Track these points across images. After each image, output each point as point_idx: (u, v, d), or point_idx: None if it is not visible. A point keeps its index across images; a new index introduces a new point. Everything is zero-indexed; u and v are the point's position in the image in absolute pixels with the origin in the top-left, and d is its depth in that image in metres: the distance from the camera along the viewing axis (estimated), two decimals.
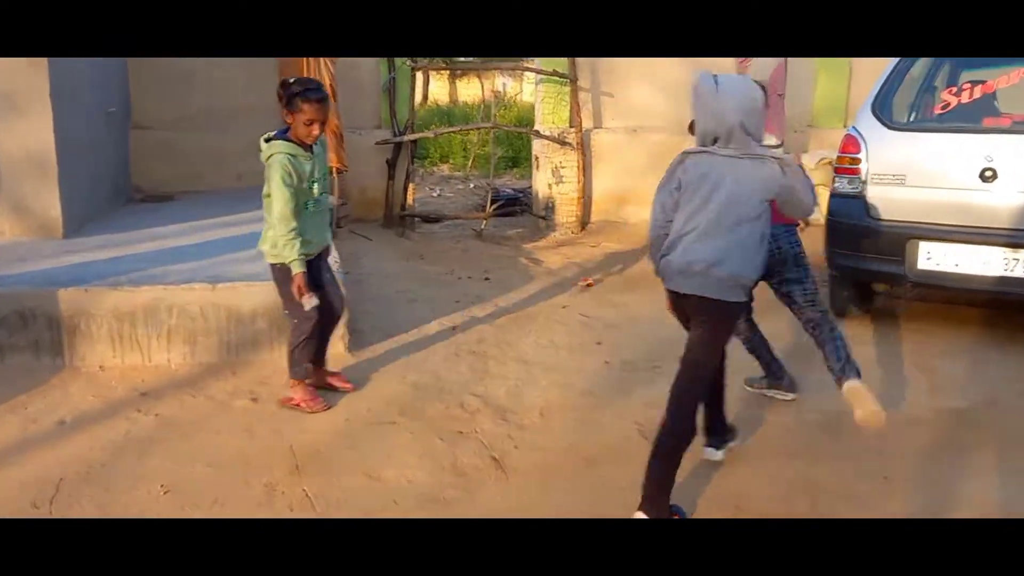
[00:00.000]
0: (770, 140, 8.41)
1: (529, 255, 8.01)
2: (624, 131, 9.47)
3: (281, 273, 3.96)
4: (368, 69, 8.96)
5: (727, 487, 3.53)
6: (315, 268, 4.06)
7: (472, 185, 13.66)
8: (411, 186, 9.03)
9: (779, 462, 3.74)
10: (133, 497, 3.41)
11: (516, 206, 10.23)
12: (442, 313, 5.73)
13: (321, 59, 7.59)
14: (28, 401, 4.23)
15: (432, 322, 5.53)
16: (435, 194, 12.99)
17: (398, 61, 8.86)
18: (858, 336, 5.18)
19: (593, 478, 3.59)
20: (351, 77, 8.66)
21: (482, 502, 3.40)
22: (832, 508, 3.37)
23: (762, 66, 8.61)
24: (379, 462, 3.69)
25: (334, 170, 7.65)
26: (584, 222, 9.34)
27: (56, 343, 4.47)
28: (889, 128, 5.24)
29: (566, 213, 9.26)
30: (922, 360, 4.96)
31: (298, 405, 4.14)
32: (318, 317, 4.01)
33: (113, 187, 7.61)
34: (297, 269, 3.85)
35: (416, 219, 9.26)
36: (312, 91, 3.76)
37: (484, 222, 9.16)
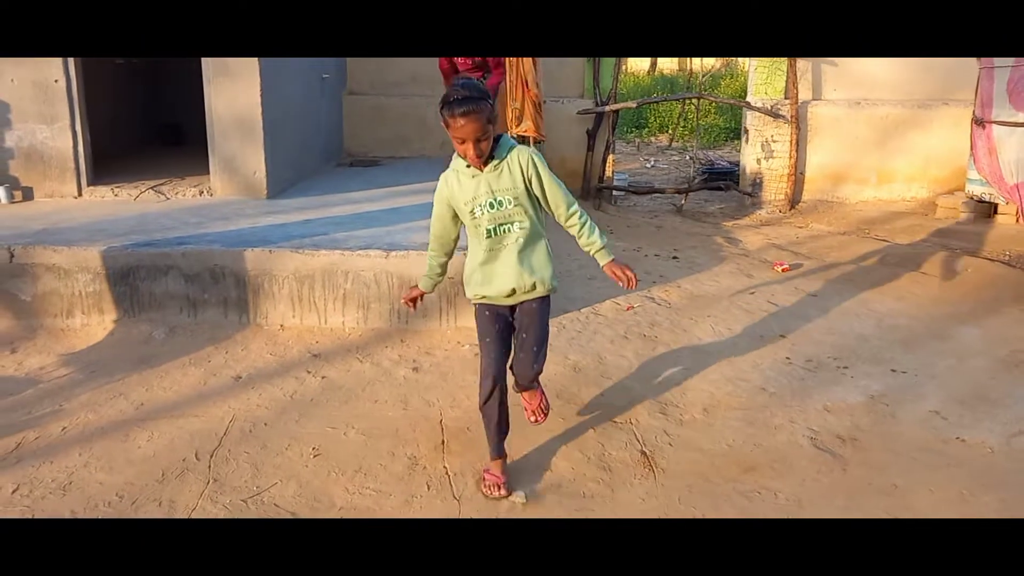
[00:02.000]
0: (1018, 116, 7.46)
1: (727, 234, 7.59)
2: (846, 103, 8.73)
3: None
4: None
5: None
6: (518, 319, 3.30)
7: (689, 157, 13.21)
8: (611, 158, 8.82)
9: None
10: (285, 458, 3.51)
11: (724, 180, 9.77)
12: (619, 292, 5.52)
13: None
14: (213, 354, 4.49)
15: (607, 301, 5.34)
16: (649, 165, 12.71)
17: None
18: None
19: (747, 488, 3.29)
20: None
21: (622, 500, 3.21)
22: None
23: None
24: (524, 446, 3.58)
25: (532, 140, 7.60)
26: (794, 201, 8.75)
27: (242, 301, 4.71)
28: None
29: (774, 190, 8.71)
30: None
31: (483, 479, 3.32)
32: (503, 374, 3.27)
33: (324, 151, 7.97)
34: (421, 285, 3.48)
35: (614, 191, 9.04)
36: (455, 103, 2.92)
37: (684, 197, 8.79)
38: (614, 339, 4.74)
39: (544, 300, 3.27)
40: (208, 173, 6.33)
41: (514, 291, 3.18)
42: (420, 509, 3.15)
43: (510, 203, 3.10)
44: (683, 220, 8.31)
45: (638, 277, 3.19)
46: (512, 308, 3.27)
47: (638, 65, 28.98)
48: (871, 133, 8.76)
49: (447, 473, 3.41)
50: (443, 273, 3.47)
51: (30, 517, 3.09)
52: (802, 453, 3.55)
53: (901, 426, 3.79)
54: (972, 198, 8.05)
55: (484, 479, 3.29)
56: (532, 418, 3.54)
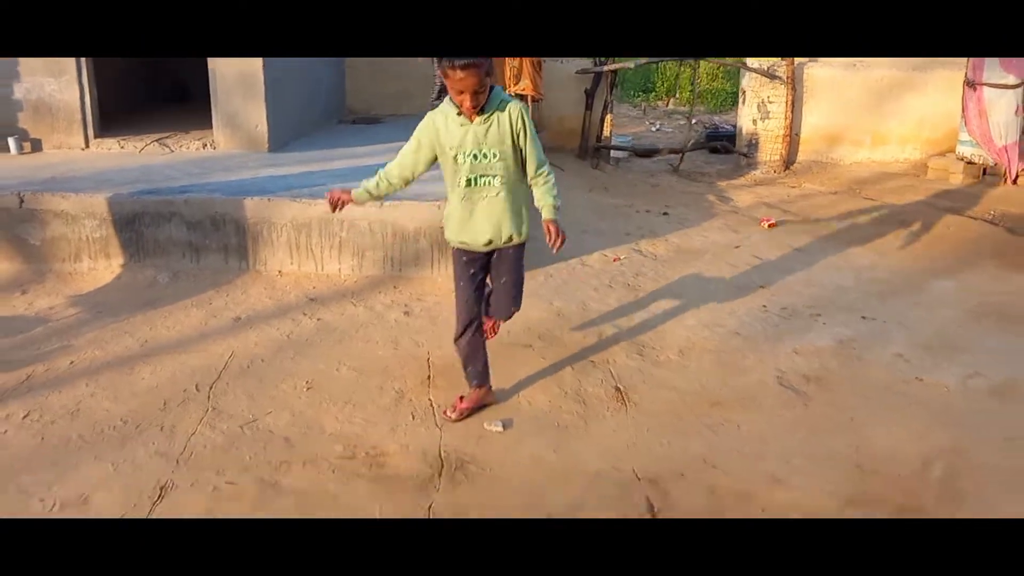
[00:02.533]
0: (1008, 79, 7.55)
1: (720, 193, 7.74)
2: (842, 66, 8.82)
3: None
4: None
5: None
6: (495, 263, 3.47)
7: (695, 120, 13.29)
8: (609, 117, 8.94)
9: None
10: (280, 391, 3.73)
11: (722, 142, 9.89)
12: (609, 245, 5.71)
13: None
14: (214, 297, 4.70)
15: (595, 253, 5.52)
16: (654, 129, 12.78)
17: None
18: None
19: (713, 420, 3.50)
20: None
21: (595, 431, 3.42)
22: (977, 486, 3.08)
23: None
24: (505, 381, 3.78)
25: (529, 99, 7.73)
26: (789, 161, 8.88)
27: (242, 247, 4.91)
28: None
29: (769, 151, 8.84)
30: None
31: (456, 407, 3.53)
32: (476, 313, 3.49)
33: (326, 108, 8.12)
34: (355, 194, 3.46)
35: (611, 151, 9.18)
36: (456, 56, 2.98)
37: (680, 158, 8.93)
38: (599, 287, 4.93)
39: (520, 247, 3.44)
40: (211, 128, 6.50)
41: (491, 241, 3.33)
42: (404, 436, 3.36)
43: (494, 156, 3.21)
44: (679, 180, 8.46)
45: (564, 242, 3.24)
46: (488, 253, 3.43)
47: None
48: (866, 95, 8.85)
49: (431, 405, 3.62)
50: (379, 197, 3.50)
51: (41, 438, 3.32)
52: (768, 391, 3.75)
53: (866, 368, 3.98)
54: (962, 159, 8.17)
55: (452, 407, 3.51)
56: (488, 336, 3.73)
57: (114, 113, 6.99)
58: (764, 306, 4.72)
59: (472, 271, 3.43)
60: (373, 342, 4.23)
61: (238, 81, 6.17)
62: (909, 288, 5.06)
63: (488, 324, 3.72)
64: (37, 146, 6.32)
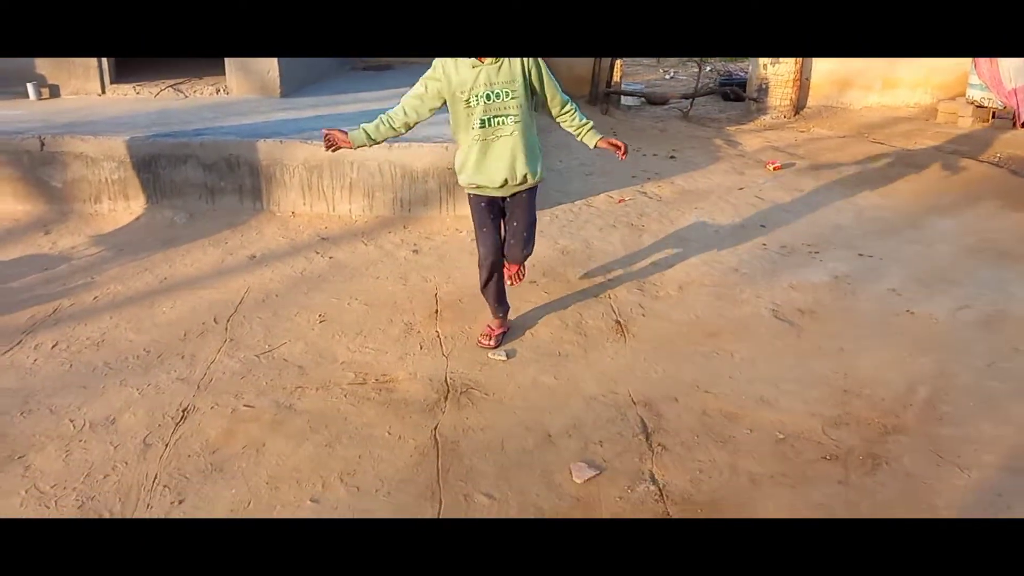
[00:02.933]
0: None
1: (728, 137, 7.80)
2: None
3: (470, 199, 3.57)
4: None
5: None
6: (508, 206, 3.56)
7: (708, 68, 13.19)
8: (618, 63, 8.96)
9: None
10: (294, 323, 3.90)
11: (732, 88, 9.87)
12: (614, 187, 5.81)
13: None
14: (230, 236, 4.87)
15: (601, 194, 5.63)
16: (668, 77, 12.72)
17: None
18: None
19: (707, 349, 3.65)
20: None
21: (593, 359, 3.58)
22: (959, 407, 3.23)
23: None
24: (510, 315, 3.93)
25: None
26: (799, 106, 8.88)
27: (256, 189, 5.06)
28: None
29: (780, 96, 8.84)
30: None
31: (482, 332, 3.73)
32: (500, 257, 3.60)
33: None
34: (352, 137, 3.52)
35: (622, 98, 9.22)
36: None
37: (690, 103, 8.96)
38: (603, 227, 5.06)
39: (533, 190, 3.54)
40: (224, 74, 6.61)
41: (506, 182, 3.41)
42: (412, 364, 3.53)
43: (507, 95, 3.28)
44: (688, 125, 8.50)
45: (628, 147, 3.51)
46: (503, 197, 3.52)
47: None
48: None
49: (438, 336, 3.78)
50: (377, 141, 3.52)
51: (69, 366, 3.51)
52: (762, 322, 3.89)
53: (858, 301, 4.11)
54: (972, 103, 8.16)
55: (482, 331, 3.71)
56: (508, 281, 3.81)
57: (129, 60, 7.09)
58: (764, 244, 4.84)
59: (492, 215, 3.52)
60: (383, 278, 4.38)
61: None
62: (908, 226, 5.16)
63: (512, 271, 3.78)
64: (55, 92, 6.46)
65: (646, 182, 6.00)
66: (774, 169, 6.40)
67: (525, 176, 3.42)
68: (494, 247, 3.53)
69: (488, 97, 3.27)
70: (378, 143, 3.58)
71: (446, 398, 3.29)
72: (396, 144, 4.99)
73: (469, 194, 3.54)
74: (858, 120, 8.47)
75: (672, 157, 6.78)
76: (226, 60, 6.45)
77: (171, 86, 6.57)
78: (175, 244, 4.77)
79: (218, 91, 6.55)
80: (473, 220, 3.57)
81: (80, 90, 6.46)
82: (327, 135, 3.57)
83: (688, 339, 3.75)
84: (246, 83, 6.45)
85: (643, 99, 9.49)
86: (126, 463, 2.89)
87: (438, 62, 3.32)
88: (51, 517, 2.61)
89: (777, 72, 8.82)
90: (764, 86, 8.88)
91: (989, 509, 2.66)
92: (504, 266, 3.71)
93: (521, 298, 4.09)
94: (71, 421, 3.13)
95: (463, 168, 3.47)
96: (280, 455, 2.93)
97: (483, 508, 2.67)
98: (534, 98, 3.41)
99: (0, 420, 3.12)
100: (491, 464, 2.89)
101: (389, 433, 3.06)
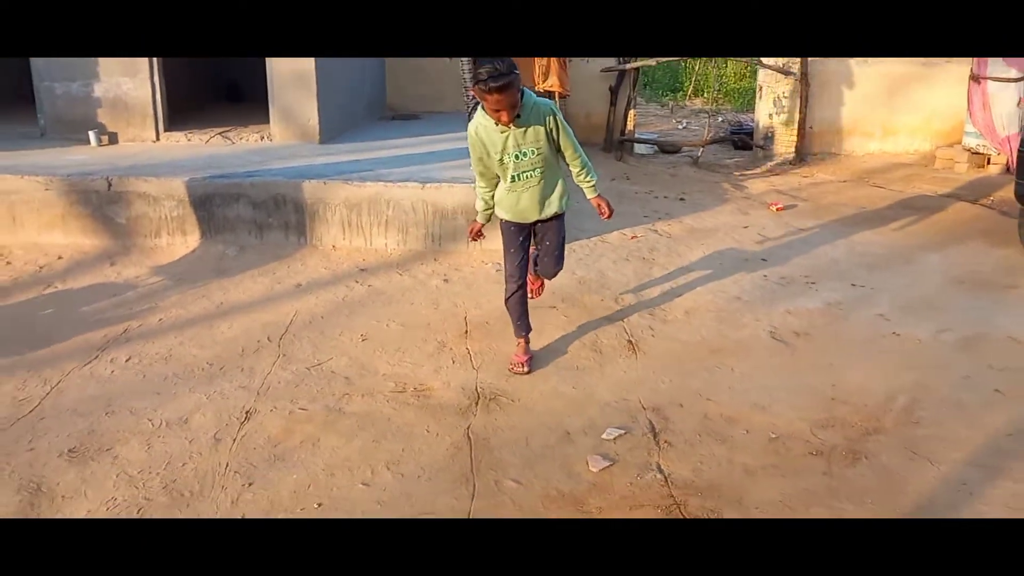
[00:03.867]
0: (1010, 72, 8.01)
1: (735, 182, 8.28)
2: (853, 62, 9.31)
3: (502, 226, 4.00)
4: None
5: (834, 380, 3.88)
6: (539, 230, 3.98)
7: (720, 119, 13.73)
8: (632, 112, 9.50)
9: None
10: (339, 341, 4.36)
11: (741, 137, 10.38)
12: (627, 225, 6.28)
13: None
14: (277, 267, 5.35)
15: (614, 232, 6.10)
16: (681, 127, 13.25)
17: None
18: None
19: (710, 364, 4.07)
20: None
21: (608, 373, 4.00)
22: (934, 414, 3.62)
23: None
24: (533, 335, 4.36)
25: (557, 95, 8.33)
26: (803, 153, 9.38)
27: (301, 225, 5.56)
28: None
29: (785, 143, 9.35)
30: None
31: (517, 363, 4.04)
32: (524, 275, 4.02)
33: (369, 105, 8.78)
34: (478, 219, 4.05)
35: (635, 145, 9.74)
36: (491, 79, 3.34)
37: (700, 150, 9.46)
38: (616, 260, 5.51)
39: (560, 216, 3.99)
40: (268, 123, 7.17)
41: (538, 220, 3.91)
42: (446, 375, 3.97)
43: (533, 153, 3.67)
44: (698, 170, 8.99)
45: (614, 212, 3.97)
46: (532, 223, 3.96)
47: None
48: (877, 90, 9.33)
49: (468, 352, 4.23)
50: (493, 203, 3.96)
51: (143, 376, 3.97)
52: (761, 342, 4.32)
53: (848, 325, 4.53)
54: (968, 150, 8.63)
55: (510, 362, 4.05)
56: (530, 295, 4.22)
57: (180, 110, 7.68)
58: (765, 276, 5.28)
59: (520, 239, 3.95)
60: (417, 304, 4.84)
61: (293, 78, 6.83)
62: (899, 261, 5.59)
63: (535, 285, 4.26)
64: (114, 139, 7.03)
65: (657, 221, 6.47)
66: (777, 210, 6.86)
67: (553, 213, 3.90)
68: (520, 267, 3.97)
69: (517, 157, 3.67)
70: (493, 206, 3.98)
71: (477, 403, 3.72)
72: (428, 184, 5.49)
73: (501, 219, 3.97)
74: (859, 166, 8.94)
75: (682, 199, 7.26)
76: (270, 109, 7.01)
77: (219, 133, 7.14)
78: (228, 274, 5.25)
79: (262, 138, 7.11)
80: (504, 241, 4.00)
81: (136, 137, 7.03)
82: (472, 231, 4.13)
83: (693, 356, 4.18)
84: (288, 131, 7.00)
85: (656, 147, 10.00)
86: (200, 454, 3.32)
87: (472, 131, 3.71)
88: (140, 497, 3.05)
89: (782, 121, 9.34)
90: (770, 134, 9.39)
91: (954, 496, 3.05)
92: (529, 281, 4.13)
93: (543, 320, 4.53)
94: (149, 420, 3.58)
95: (499, 203, 3.92)
96: (334, 448, 3.36)
97: (511, 490, 3.08)
98: (559, 150, 3.80)
99: (89, 419, 3.57)
100: (517, 456, 3.31)
101: (427, 431, 3.49)
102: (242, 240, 5.60)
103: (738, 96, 16.42)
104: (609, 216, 3.95)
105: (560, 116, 3.73)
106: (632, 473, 3.19)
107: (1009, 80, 8.13)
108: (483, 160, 3.77)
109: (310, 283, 5.14)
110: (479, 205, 4.00)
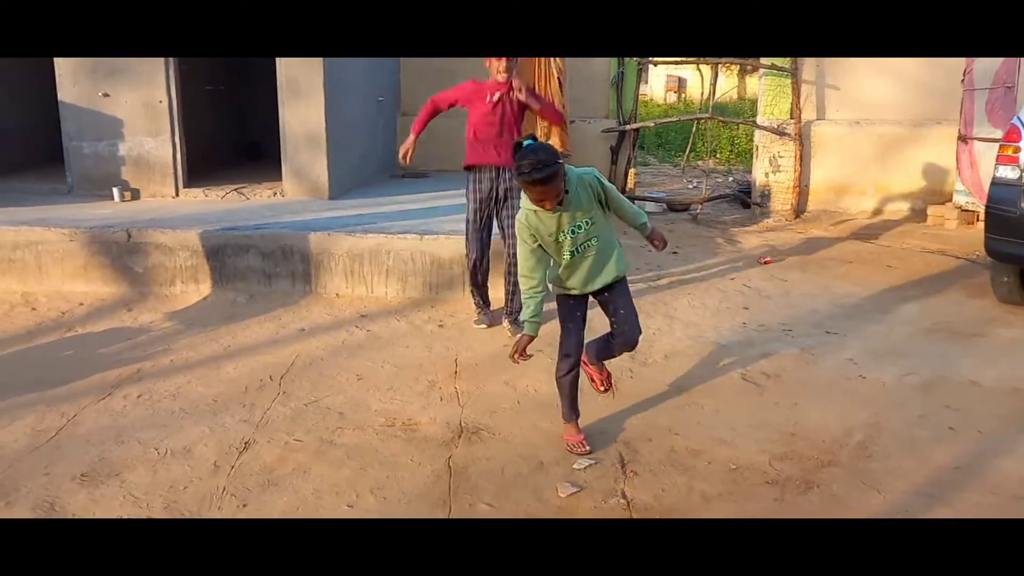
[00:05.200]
0: (995, 133, 8.31)
1: (730, 237, 8.58)
2: (847, 123, 9.66)
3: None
4: (600, 63, 9.93)
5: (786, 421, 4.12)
6: (607, 301, 3.90)
7: (731, 179, 14.05)
8: (632, 171, 9.87)
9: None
10: (336, 380, 4.65)
11: (743, 193, 10.69)
12: None
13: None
14: (283, 313, 5.69)
15: None
16: (691, 186, 13.58)
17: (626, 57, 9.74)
18: (1008, 318, 5.40)
19: (682, 403, 4.33)
20: (584, 70, 9.69)
21: (586, 410, 4.23)
22: (887, 448, 3.85)
23: (992, 57, 8.51)
24: (517, 376, 4.66)
25: None
26: (799, 211, 9.68)
27: (306, 274, 5.90)
28: None
29: (781, 201, 9.66)
30: None
31: (566, 442, 3.90)
32: (580, 353, 3.94)
33: (379, 163, 9.21)
34: (526, 331, 3.77)
35: (635, 202, 10.08)
36: (535, 170, 3.31)
37: (699, 206, 9.79)
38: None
39: (623, 280, 3.87)
40: (280, 180, 7.59)
41: (599, 286, 3.79)
42: (433, 412, 4.25)
43: (588, 224, 3.59)
44: (696, 226, 9.30)
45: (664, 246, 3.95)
46: (594, 292, 3.81)
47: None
48: (870, 150, 9.66)
49: (456, 391, 4.51)
50: (542, 304, 3.75)
51: (152, 411, 4.28)
52: (732, 383, 4.57)
53: (817, 368, 4.77)
54: (957, 207, 8.90)
55: (567, 443, 3.86)
56: (601, 388, 4.14)
57: (199, 168, 8.13)
58: (744, 323, 5.54)
59: (579, 312, 3.85)
60: (411, 347, 5.14)
61: (305, 138, 7.26)
62: (876, 310, 5.84)
63: (602, 375, 4.10)
64: (136, 195, 7.46)
65: (647, 272, 6.77)
66: (765, 263, 7.14)
67: (614, 276, 3.79)
68: (578, 344, 3.86)
69: (573, 232, 3.58)
70: (543, 304, 3.79)
71: (460, 436, 3.99)
72: (426, 236, 5.83)
73: (558, 294, 3.87)
74: (853, 223, 9.23)
75: (675, 253, 7.56)
76: (283, 166, 7.44)
77: (235, 190, 7.56)
78: (236, 320, 5.59)
79: (275, 194, 7.52)
80: (561, 315, 3.88)
81: (157, 193, 7.47)
82: (519, 349, 3.77)
83: (666, 395, 4.43)
84: (299, 187, 7.41)
85: (665, 205, 10.33)
86: (200, 479, 3.61)
87: (522, 220, 3.62)
88: (143, 516, 3.33)
89: (778, 180, 9.67)
90: (766, 192, 9.71)
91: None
92: (594, 374, 4.09)
93: (527, 364, 4.75)
94: (155, 449, 3.87)
95: (555, 279, 3.81)
96: (323, 475, 3.64)
97: (483, 512, 3.33)
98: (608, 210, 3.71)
99: (100, 448, 3.87)
100: (493, 483, 3.56)
101: (411, 461, 3.76)
102: (252, 288, 5.95)
103: (749, 156, 16.82)
104: (663, 246, 3.90)
105: (604, 180, 3.67)
106: (597, 498, 3.44)
107: (995, 140, 8.42)
108: (536, 249, 3.64)
109: (313, 328, 5.46)
110: (528, 312, 3.71)
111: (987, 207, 5.67)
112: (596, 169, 3.71)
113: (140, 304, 5.87)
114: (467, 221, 5.38)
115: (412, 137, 5.52)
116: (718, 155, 17.09)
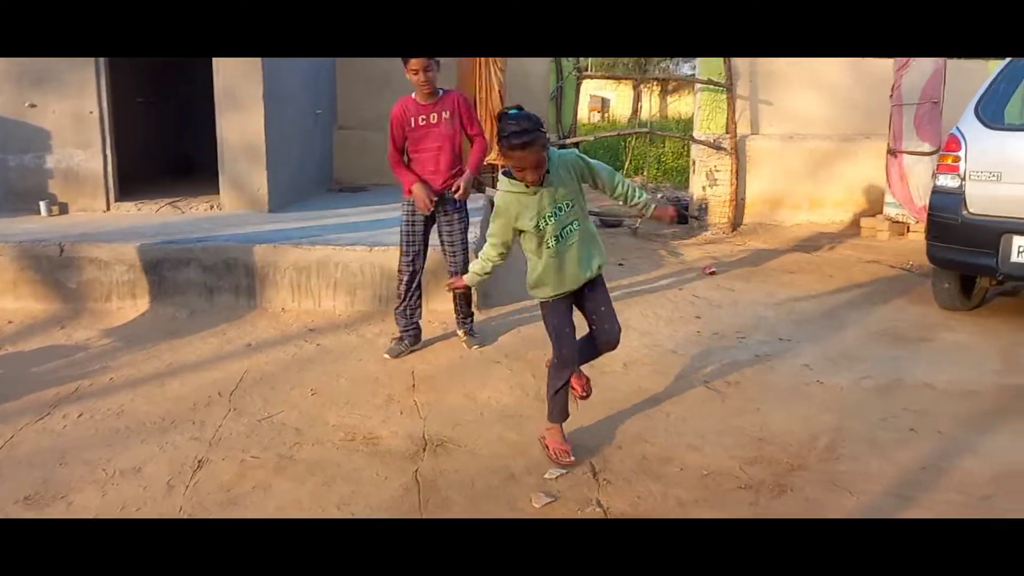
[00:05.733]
0: (923, 147, 8.57)
1: (672, 250, 8.64)
2: (780, 138, 9.87)
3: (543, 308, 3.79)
4: (538, 77, 9.96)
5: (752, 426, 4.12)
6: (588, 299, 3.78)
7: (660, 196, 14.19)
8: None
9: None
10: (289, 395, 4.48)
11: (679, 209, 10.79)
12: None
13: (492, 66, 8.63)
14: (227, 329, 5.47)
15: None
16: (621, 204, 13.67)
17: (565, 70, 9.78)
18: (950, 323, 5.55)
19: (647, 410, 4.29)
20: (522, 84, 9.68)
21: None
22: (854, 451, 3.87)
23: (918, 73, 8.80)
24: (477, 387, 4.56)
25: (499, 167, 8.66)
26: (736, 223, 9.82)
27: (250, 288, 5.70)
28: (989, 128, 5.52)
29: (718, 214, 9.79)
30: (1006, 347, 5.23)
31: (547, 448, 3.79)
32: (592, 340, 3.84)
33: (317, 177, 9.03)
34: (468, 280, 3.90)
35: None
36: (513, 136, 3.23)
37: (639, 221, 9.86)
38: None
39: (601, 275, 3.77)
40: (217, 193, 7.35)
41: (584, 280, 3.67)
42: (394, 425, 4.12)
43: (569, 206, 3.49)
44: (636, 240, 9.36)
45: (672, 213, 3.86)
46: (579, 288, 3.70)
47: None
48: (803, 164, 9.88)
49: (416, 404, 4.38)
50: (488, 275, 3.80)
51: (95, 430, 4.05)
52: (694, 391, 4.55)
53: (776, 375, 4.80)
54: (888, 219, 9.15)
55: (552, 450, 3.72)
56: (582, 394, 4.01)
57: (130, 181, 7.83)
58: (698, 332, 5.56)
59: (570, 315, 3.71)
60: (365, 360, 5.00)
61: (243, 149, 7.05)
62: (824, 317, 5.92)
63: (580, 381, 3.99)
64: (64, 209, 7.13)
65: None
66: (710, 274, 7.20)
67: (598, 267, 3.69)
68: (573, 349, 3.71)
69: (555, 215, 3.47)
70: (490, 276, 3.85)
71: (424, 449, 3.87)
72: (376, 248, 5.70)
73: (545, 302, 3.71)
74: (789, 235, 9.40)
75: (620, 264, 7.57)
76: (220, 178, 7.21)
77: (169, 203, 7.29)
78: (178, 335, 5.36)
79: (212, 207, 7.28)
80: (551, 325, 3.71)
81: (87, 207, 7.16)
82: (454, 284, 4.03)
83: (630, 403, 4.39)
84: (238, 200, 7.19)
85: (599, 220, 10.35)
86: (154, 499, 3.41)
87: (500, 199, 3.51)
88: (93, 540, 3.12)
89: (715, 193, 9.80)
90: (704, 205, 9.84)
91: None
92: (578, 377, 3.96)
93: (488, 373, 4.73)
94: (103, 470, 3.65)
95: (541, 284, 3.65)
96: (285, 491, 3.48)
97: None
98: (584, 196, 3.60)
99: (43, 470, 3.63)
100: (464, 495, 3.45)
101: (377, 475, 3.63)
102: (192, 304, 5.72)
103: (676, 173, 17.08)
104: (676, 216, 3.78)
105: (586, 159, 3.58)
106: (573, 508, 3.36)
107: (923, 154, 8.70)
108: (506, 229, 3.55)
109: (260, 343, 5.26)
110: (479, 267, 3.77)
111: (929, 215, 5.82)
112: (578, 152, 3.58)
113: (74, 321, 5.58)
114: (401, 234, 5.06)
115: (414, 182, 4.86)
116: (645, 173, 17.31)
